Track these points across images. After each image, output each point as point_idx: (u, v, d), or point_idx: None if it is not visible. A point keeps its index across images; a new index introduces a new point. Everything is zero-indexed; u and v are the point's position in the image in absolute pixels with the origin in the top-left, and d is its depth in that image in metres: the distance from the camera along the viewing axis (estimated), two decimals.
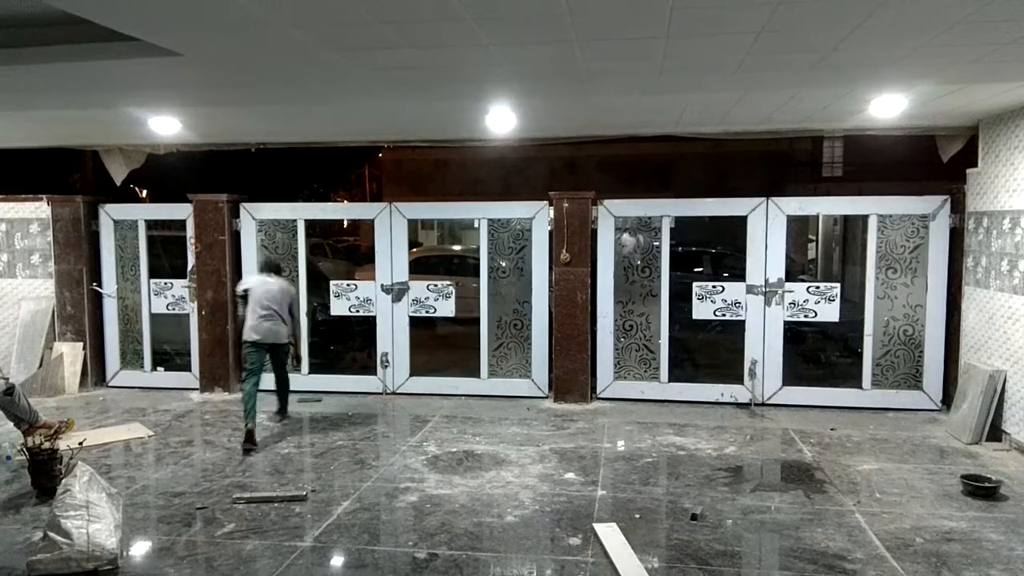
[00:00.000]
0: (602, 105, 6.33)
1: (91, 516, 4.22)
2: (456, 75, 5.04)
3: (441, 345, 9.59)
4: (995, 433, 6.41)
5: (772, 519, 4.91)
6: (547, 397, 8.10)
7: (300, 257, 8.46)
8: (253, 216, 8.48)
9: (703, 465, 5.97)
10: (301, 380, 8.32)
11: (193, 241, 8.43)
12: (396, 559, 4.33)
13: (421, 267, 11.64)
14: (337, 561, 4.36)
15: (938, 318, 7.46)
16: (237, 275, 8.46)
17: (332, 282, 8.60)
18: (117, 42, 4.15)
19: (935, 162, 7.77)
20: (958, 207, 7.34)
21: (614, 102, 6.17)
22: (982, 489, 5.19)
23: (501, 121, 6.80)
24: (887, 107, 6.11)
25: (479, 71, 4.93)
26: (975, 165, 7.05)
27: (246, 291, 6.88)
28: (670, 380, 7.99)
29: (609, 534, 4.60)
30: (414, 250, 14.35)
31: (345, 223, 23.48)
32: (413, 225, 15.30)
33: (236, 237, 8.50)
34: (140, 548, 4.53)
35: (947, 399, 7.35)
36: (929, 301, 7.49)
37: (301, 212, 8.52)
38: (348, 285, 8.52)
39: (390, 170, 21.70)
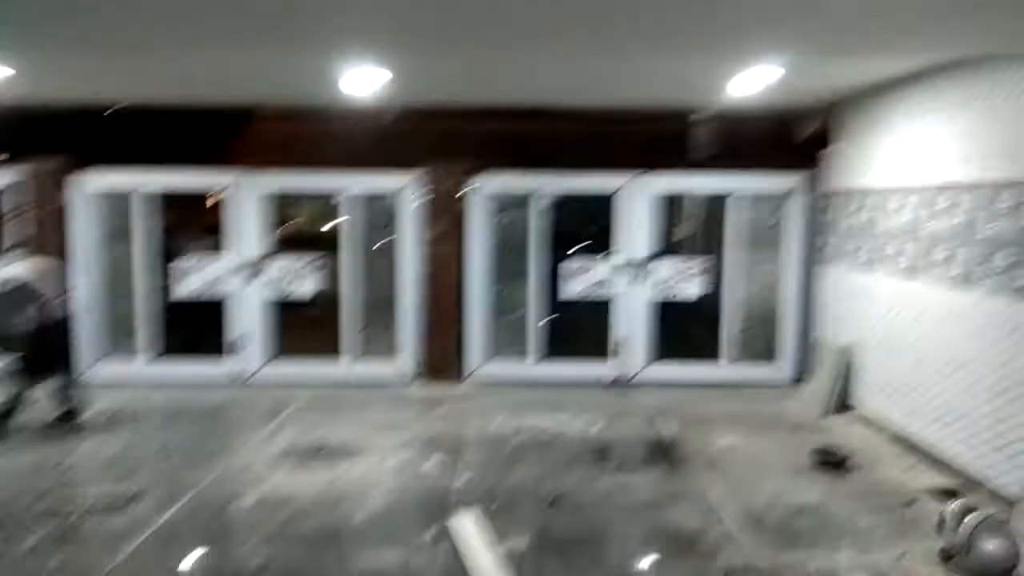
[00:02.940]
0: (469, 67, 6.01)
1: None
2: (299, 22, 4.52)
3: (302, 327, 9.01)
4: (845, 405, 6.66)
5: (633, 499, 4.84)
6: (416, 380, 7.78)
7: (141, 231, 7.69)
8: (87, 185, 7.62)
9: (568, 446, 5.86)
10: (142, 369, 7.62)
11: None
12: (222, 572, 3.91)
13: (287, 243, 10.99)
14: None
15: (793, 295, 7.69)
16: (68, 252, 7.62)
17: (179, 260, 7.87)
18: None
19: (796, 145, 7.95)
20: (814, 186, 7.56)
21: (479, 64, 5.86)
22: (831, 462, 5.34)
23: (363, 83, 6.30)
24: (749, 82, 6.08)
25: (322, 18, 4.45)
26: (830, 146, 7.26)
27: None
28: (541, 359, 7.87)
29: (466, 524, 4.36)
30: (285, 225, 13.55)
31: (214, 198, 22.07)
32: (279, 200, 14.46)
33: (66, 210, 7.63)
34: None
35: (801, 373, 7.60)
36: (785, 278, 7.70)
37: (143, 180, 7.73)
38: (197, 263, 7.83)
39: (258, 140, 20.53)
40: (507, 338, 7.89)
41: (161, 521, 4.47)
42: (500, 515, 4.55)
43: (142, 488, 4.93)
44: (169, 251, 8.75)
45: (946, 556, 3.93)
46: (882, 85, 6.15)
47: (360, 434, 6.12)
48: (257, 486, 5.01)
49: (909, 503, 4.72)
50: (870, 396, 6.39)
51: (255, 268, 7.73)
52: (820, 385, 6.84)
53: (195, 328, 8.58)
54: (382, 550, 4.16)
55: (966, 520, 3.78)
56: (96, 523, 4.42)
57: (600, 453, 5.74)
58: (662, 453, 5.74)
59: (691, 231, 12.04)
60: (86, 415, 6.34)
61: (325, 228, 14.61)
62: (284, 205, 10.79)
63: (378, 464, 5.43)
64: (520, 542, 4.22)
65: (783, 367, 7.74)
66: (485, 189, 7.71)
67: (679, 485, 5.09)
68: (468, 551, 4.04)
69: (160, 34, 4.83)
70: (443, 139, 9.99)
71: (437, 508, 4.65)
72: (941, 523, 3.97)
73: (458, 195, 7.60)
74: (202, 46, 5.21)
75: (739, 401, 7.16)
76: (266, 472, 5.27)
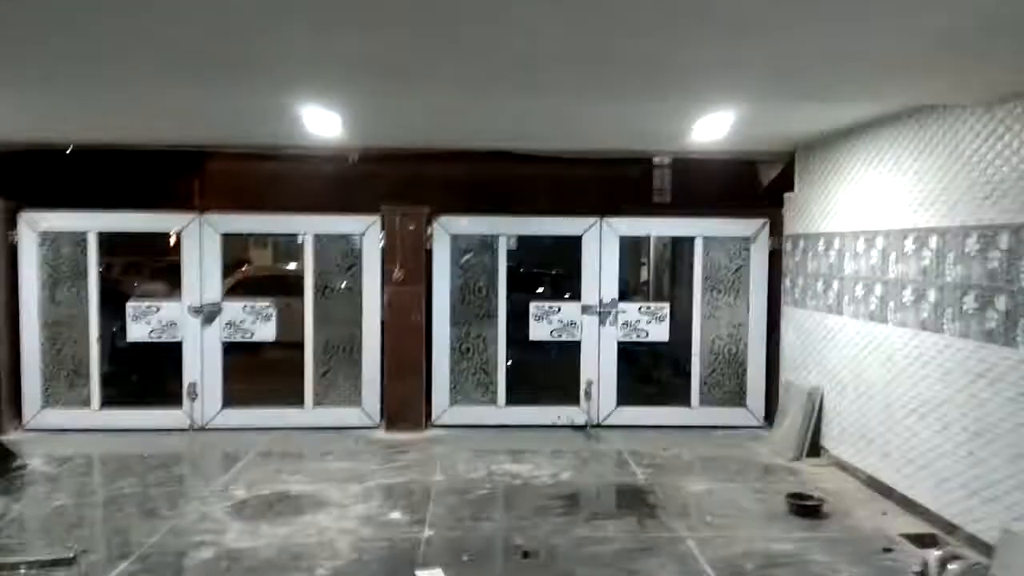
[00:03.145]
0: (431, 112, 5.95)
1: None
2: (246, 59, 4.39)
3: (261, 372, 8.70)
4: (815, 449, 6.61)
5: (606, 550, 4.68)
6: (378, 426, 7.54)
7: (91, 274, 7.40)
8: (34, 227, 7.34)
9: (538, 494, 5.69)
10: (91, 416, 7.27)
11: None
12: None
13: (248, 287, 10.75)
14: None
15: (759, 337, 7.69)
16: (13, 296, 7.29)
17: (131, 303, 7.57)
18: None
19: (758, 190, 8.06)
20: (777, 230, 7.63)
21: (441, 109, 5.80)
22: (805, 508, 5.25)
23: (321, 124, 6.20)
24: (711, 128, 6.14)
25: (276, 59, 4.33)
26: (792, 190, 7.36)
27: None
28: (508, 404, 7.71)
29: None
30: (244, 268, 13.27)
31: (173, 240, 21.55)
32: (240, 242, 14.08)
33: (12, 252, 7.32)
34: None
35: (770, 416, 7.57)
36: (751, 320, 7.71)
37: (93, 222, 7.46)
38: (149, 306, 7.54)
39: (217, 182, 20.21)
40: (474, 381, 7.72)
41: None
42: (470, 569, 4.35)
43: (88, 543, 4.61)
44: (123, 293, 8.45)
45: None
46: (844, 130, 6.25)
47: (321, 483, 5.86)
48: (212, 541, 4.72)
49: (887, 550, 4.64)
50: (841, 439, 6.35)
51: (212, 311, 7.48)
52: (789, 428, 6.80)
53: (149, 372, 8.25)
54: None
55: (948, 569, 3.72)
56: None
57: (571, 501, 5.58)
58: (635, 499, 5.60)
59: (657, 274, 12.11)
60: (29, 465, 5.98)
61: (285, 270, 14.34)
62: (244, 247, 10.53)
63: (340, 516, 5.18)
64: None
65: (753, 410, 7.70)
66: (449, 231, 7.62)
67: (654, 533, 4.95)
68: None
69: (110, 72, 4.66)
70: (406, 181, 9.90)
71: (403, 563, 4.43)
72: (923, 572, 3.89)
73: (422, 237, 7.50)
74: (154, 84, 5.05)
75: (710, 445, 7.07)
76: (221, 525, 4.98)
